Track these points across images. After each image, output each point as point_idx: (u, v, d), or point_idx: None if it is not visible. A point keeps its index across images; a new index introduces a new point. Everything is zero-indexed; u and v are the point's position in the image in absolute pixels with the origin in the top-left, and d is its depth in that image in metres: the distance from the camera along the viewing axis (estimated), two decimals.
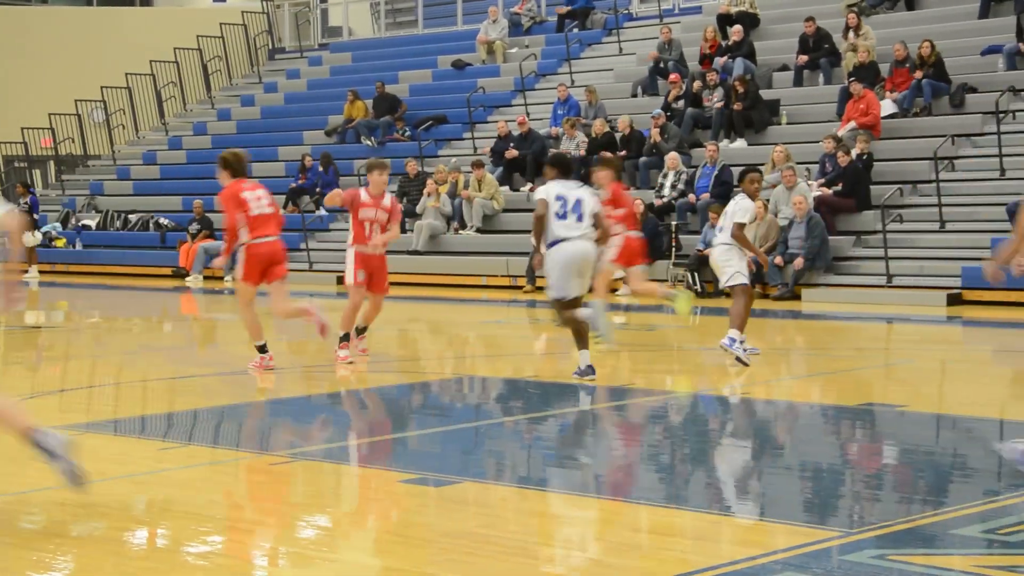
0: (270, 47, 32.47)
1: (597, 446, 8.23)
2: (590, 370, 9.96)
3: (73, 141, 30.82)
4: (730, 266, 11.12)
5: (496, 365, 12.16)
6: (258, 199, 10.76)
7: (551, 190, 9.87)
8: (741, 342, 10.91)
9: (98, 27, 32.44)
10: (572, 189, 9.95)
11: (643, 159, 20.51)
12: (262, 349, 10.92)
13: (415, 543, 5.70)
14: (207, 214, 23.99)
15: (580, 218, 9.80)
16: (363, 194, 11.28)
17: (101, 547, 5.66)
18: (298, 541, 5.85)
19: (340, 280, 21.10)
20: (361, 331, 11.64)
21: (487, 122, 24.49)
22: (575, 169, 10.33)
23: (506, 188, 21.75)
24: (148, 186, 27.31)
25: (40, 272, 24.26)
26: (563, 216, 9.75)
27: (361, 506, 6.67)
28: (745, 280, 11.16)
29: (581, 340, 9.99)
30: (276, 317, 11.65)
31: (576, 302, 9.97)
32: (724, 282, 11.35)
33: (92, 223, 26.39)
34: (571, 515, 6.23)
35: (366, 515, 6.42)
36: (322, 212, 23.42)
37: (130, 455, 7.72)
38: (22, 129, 30.65)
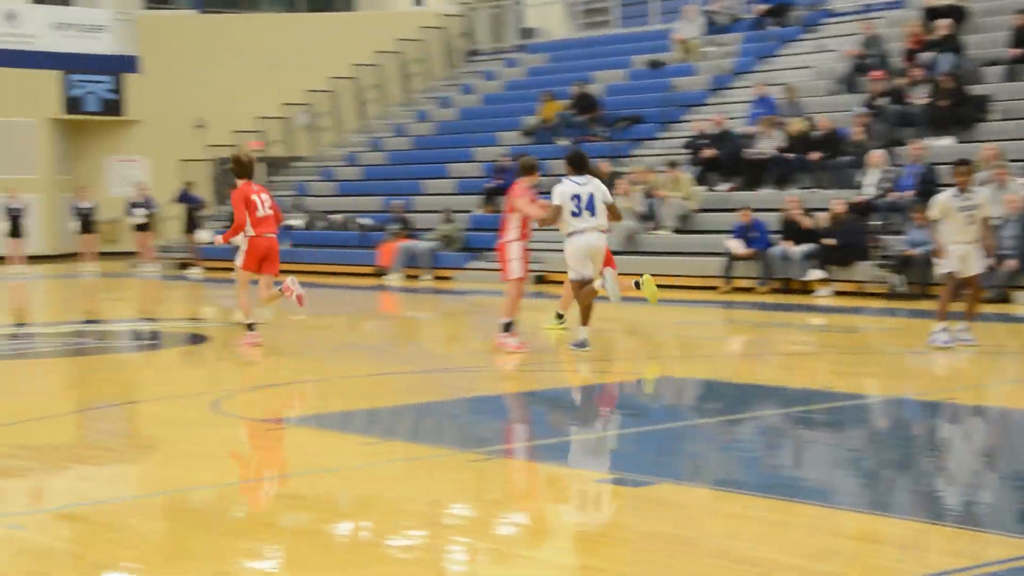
0: (467, 49, 32.94)
1: (797, 449, 8.08)
2: (584, 344, 11.74)
3: (280, 144, 31.85)
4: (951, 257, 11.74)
5: (692, 366, 12.06)
6: (263, 202, 12.66)
7: (566, 191, 11.62)
8: (944, 330, 11.62)
9: (303, 33, 33.42)
10: (584, 186, 11.65)
11: (842, 158, 20.05)
12: (251, 327, 12.78)
13: (613, 543, 5.70)
14: (406, 214, 24.48)
15: (593, 212, 11.61)
16: (530, 191, 12.31)
17: (307, 539, 5.83)
18: (496, 538, 5.92)
19: (538, 279, 21.33)
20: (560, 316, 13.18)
21: (681, 121, 24.31)
22: (588, 164, 12.03)
23: (702, 188, 21.56)
24: (350, 187, 28.02)
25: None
26: (578, 213, 11.50)
27: (558, 505, 6.70)
28: (951, 268, 11.72)
29: (586, 317, 11.85)
30: (259, 301, 13.25)
31: (590, 282, 11.72)
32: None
33: (298, 223, 27.22)
34: (770, 518, 6.13)
35: (563, 514, 6.44)
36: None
37: (334, 450, 7.93)
38: (233, 132, 31.84)
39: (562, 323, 13.56)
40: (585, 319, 11.85)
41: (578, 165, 11.77)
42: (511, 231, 12.33)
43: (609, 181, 21.59)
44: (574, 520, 6.27)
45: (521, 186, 12.29)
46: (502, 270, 12.52)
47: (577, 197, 11.61)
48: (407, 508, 6.36)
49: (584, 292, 11.80)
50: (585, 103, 25.37)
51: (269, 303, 13.50)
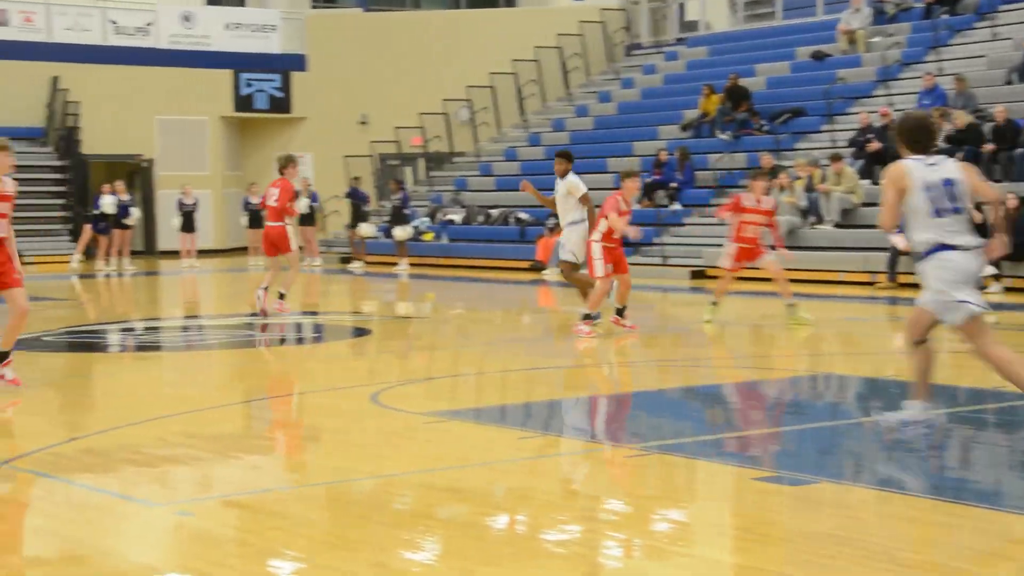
0: (627, 43, 32.82)
1: (964, 450, 7.84)
2: (588, 318, 12.91)
3: (440, 139, 32.22)
4: None
5: (854, 363, 11.81)
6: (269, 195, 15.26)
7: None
8: None
9: (464, 29, 33.74)
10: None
11: (1019, 151, 19.37)
12: (282, 296, 15.26)
13: (771, 542, 5.61)
14: None
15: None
16: (620, 202, 13.05)
17: (464, 531, 5.89)
18: (653, 534, 5.88)
19: (695, 275, 21.17)
20: (621, 311, 13.24)
21: (846, 114, 23.81)
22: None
23: (867, 182, 21.08)
24: (509, 182, 28.15)
25: (410, 265, 25.51)
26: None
27: (715, 502, 6.62)
28: None
29: (585, 296, 13.26)
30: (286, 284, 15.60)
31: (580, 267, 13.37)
32: None
33: (457, 218, 27.50)
34: (936, 521, 5.96)
35: (720, 511, 6.37)
36: (677, 207, 23.48)
37: (491, 443, 7.99)
38: (395, 128, 32.34)
39: (714, 312, 14.03)
40: (586, 295, 13.25)
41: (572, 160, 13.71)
42: (597, 231, 13.10)
43: (772, 174, 21.32)
44: (731, 518, 6.19)
45: (618, 194, 13.20)
46: (589, 268, 13.27)
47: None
48: (563, 502, 6.37)
49: (580, 274, 13.57)
50: (737, 95, 25.03)
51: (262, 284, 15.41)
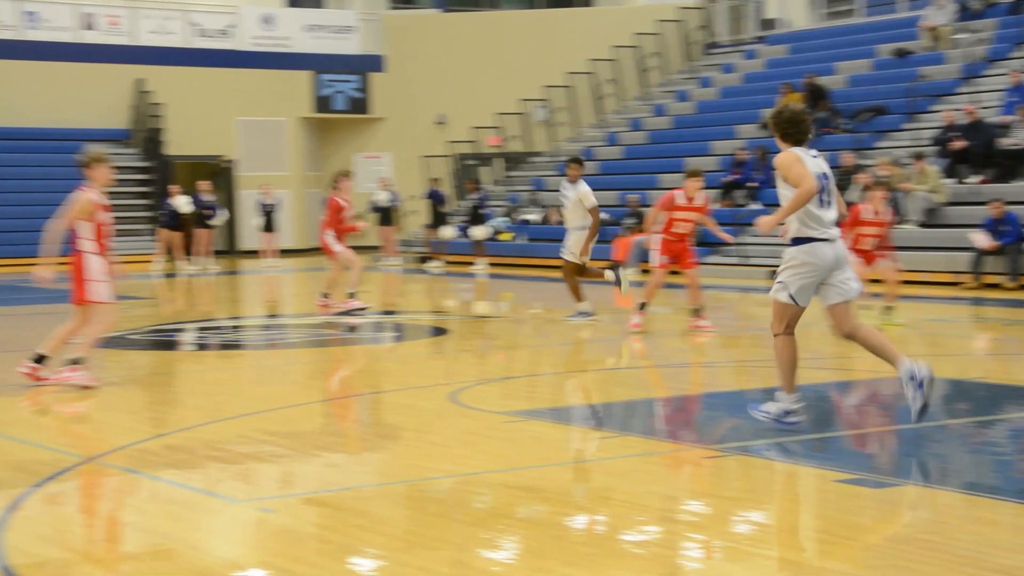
0: (706, 42, 32.63)
1: None
2: (585, 315, 14.22)
3: (518, 139, 32.27)
4: None
5: (938, 365, 11.62)
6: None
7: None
8: None
9: (541, 29, 33.76)
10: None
11: None
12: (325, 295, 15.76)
13: (854, 546, 5.55)
14: (642, 208, 24.41)
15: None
16: (678, 197, 13.43)
17: (544, 530, 5.89)
18: (733, 536, 5.84)
19: (774, 275, 20.97)
20: (697, 312, 13.41)
21: (928, 112, 23.47)
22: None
23: (950, 181, 20.76)
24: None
25: (488, 264, 25.58)
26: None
27: (796, 504, 6.57)
28: None
29: (577, 296, 14.38)
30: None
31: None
32: None
33: (535, 217, 27.52)
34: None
35: (801, 513, 6.31)
36: (755, 206, 23.29)
37: (570, 443, 7.98)
38: (473, 128, 32.44)
39: (891, 318, 13.73)
40: (577, 296, 14.42)
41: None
42: (658, 224, 13.69)
43: (850, 173, 21.08)
44: (813, 520, 6.13)
45: (676, 191, 13.64)
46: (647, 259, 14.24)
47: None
48: (643, 503, 6.35)
49: (576, 277, 14.57)
50: (816, 95, 24.77)
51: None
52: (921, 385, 7.52)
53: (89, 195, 9.94)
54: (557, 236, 26.35)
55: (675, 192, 13.51)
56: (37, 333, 14.31)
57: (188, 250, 27.04)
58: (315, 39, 33.40)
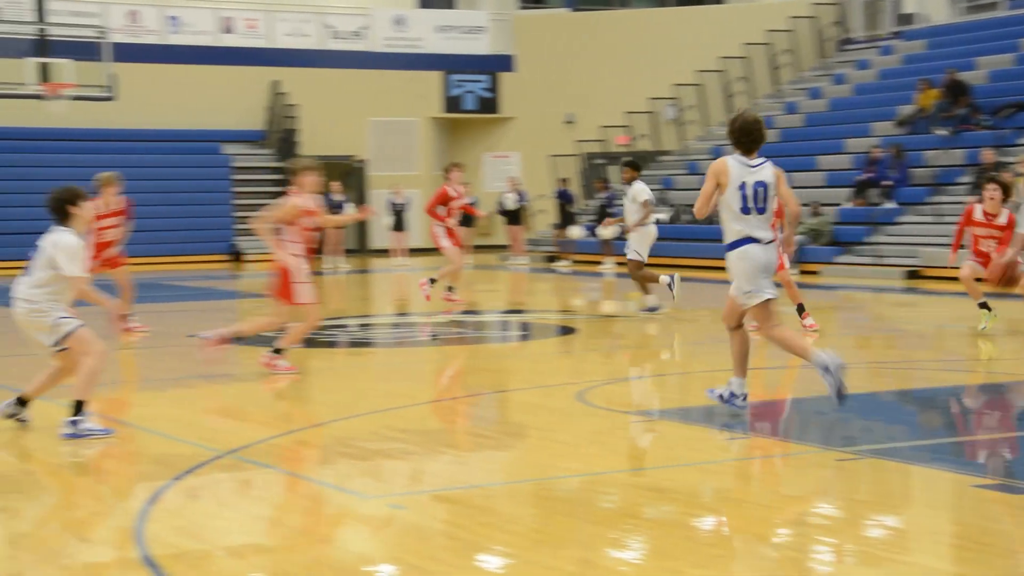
0: (840, 38, 32.09)
1: None
2: (653, 310, 14.84)
3: (646, 138, 32.12)
4: None
5: None
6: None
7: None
8: None
9: (671, 26, 33.55)
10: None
11: None
12: (432, 281, 16.49)
13: (993, 552, 5.40)
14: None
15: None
16: None
17: (671, 531, 5.86)
18: (866, 540, 5.73)
19: (910, 275, 20.53)
20: (800, 309, 13.26)
21: None
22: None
23: None
24: None
25: (616, 264, 25.49)
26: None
27: (932, 509, 6.42)
28: None
29: (645, 291, 15.16)
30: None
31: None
32: None
33: (664, 216, 27.36)
34: None
35: (937, 519, 6.17)
36: (891, 205, 22.83)
37: (698, 443, 7.93)
38: (601, 127, 32.39)
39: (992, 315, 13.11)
40: (646, 290, 15.15)
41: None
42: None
43: (990, 170, 20.52)
44: (949, 526, 5.99)
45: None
46: None
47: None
48: (773, 505, 6.27)
49: (644, 272, 15.20)
50: (956, 91, 24.15)
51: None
52: (829, 370, 7.93)
53: (296, 201, 10.46)
54: (686, 235, 26.29)
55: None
56: (182, 327, 14.67)
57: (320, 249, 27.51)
58: (446, 40, 33.69)
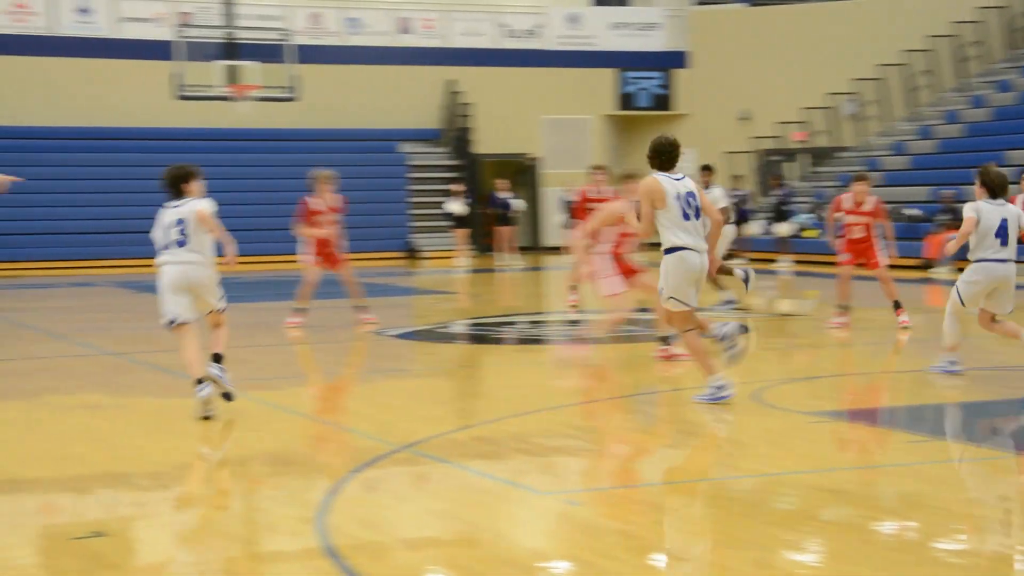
0: None
1: None
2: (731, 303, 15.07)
3: (824, 133, 31.51)
4: None
5: None
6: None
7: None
8: None
9: (851, 20, 32.80)
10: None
11: None
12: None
13: None
14: (956, 204, 23.39)
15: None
16: (844, 202, 14.18)
17: (850, 534, 5.74)
18: None
19: None
20: (896, 305, 13.71)
21: None
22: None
23: None
24: (896, 176, 27.20)
25: (794, 262, 25.11)
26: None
27: None
28: None
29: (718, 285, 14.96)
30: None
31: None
32: None
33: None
34: None
35: None
36: None
37: (878, 445, 7.75)
38: (777, 123, 31.90)
39: None
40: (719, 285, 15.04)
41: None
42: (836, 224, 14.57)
43: None
44: None
45: (844, 195, 14.20)
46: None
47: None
48: (958, 510, 6.09)
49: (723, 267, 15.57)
50: None
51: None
52: (725, 337, 8.98)
53: (618, 205, 11.24)
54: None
55: (841, 197, 14.34)
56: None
57: (490, 246, 27.84)
58: (620, 37, 33.63)
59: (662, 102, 33.80)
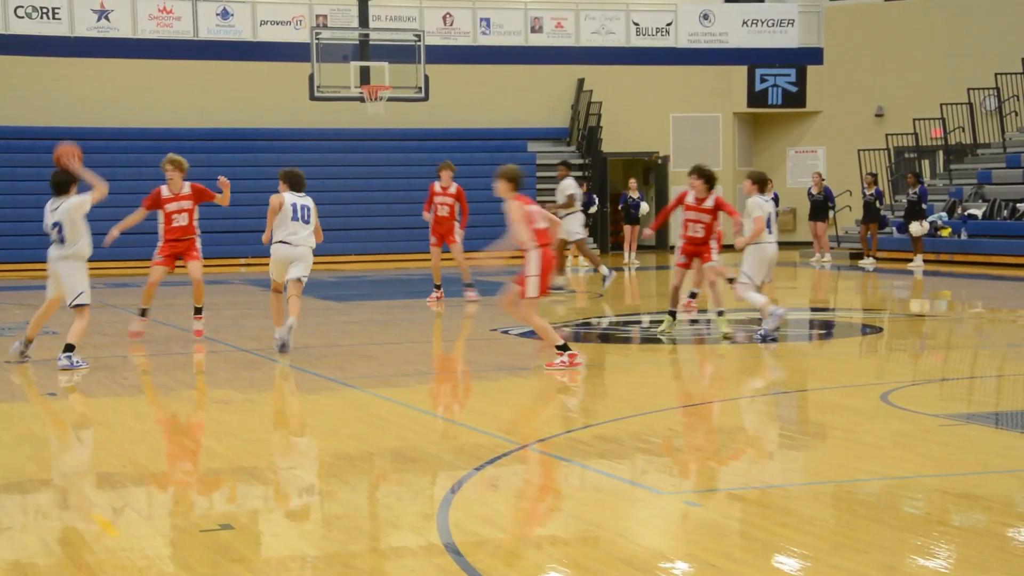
0: None
1: None
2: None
3: (962, 130, 30.72)
4: None
5: None
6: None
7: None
8: None
9: (993, 13, 31.91)
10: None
11: None
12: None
13: None
14: None
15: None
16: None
17: (983, 540, 5.59)
18: None
19: None
20: None
21: None
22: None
23: None
24: None
25: (926, 261, 24.56)
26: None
27: None
28: None
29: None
30: None
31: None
32: None
33: (978, 212, 26.12)
34: None
35: None
36: None
37: (1013, 450, 7.54)
38: (913, 120, 31.20)
39: None
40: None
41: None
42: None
43: None
44: None
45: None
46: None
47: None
48: None
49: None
50: None
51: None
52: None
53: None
54: (1001, 232, 24.99)
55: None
56: (485, 321, 15.06)
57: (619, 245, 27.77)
58: (752, 34, 33.24)
59: (794, 99, 33.32)
